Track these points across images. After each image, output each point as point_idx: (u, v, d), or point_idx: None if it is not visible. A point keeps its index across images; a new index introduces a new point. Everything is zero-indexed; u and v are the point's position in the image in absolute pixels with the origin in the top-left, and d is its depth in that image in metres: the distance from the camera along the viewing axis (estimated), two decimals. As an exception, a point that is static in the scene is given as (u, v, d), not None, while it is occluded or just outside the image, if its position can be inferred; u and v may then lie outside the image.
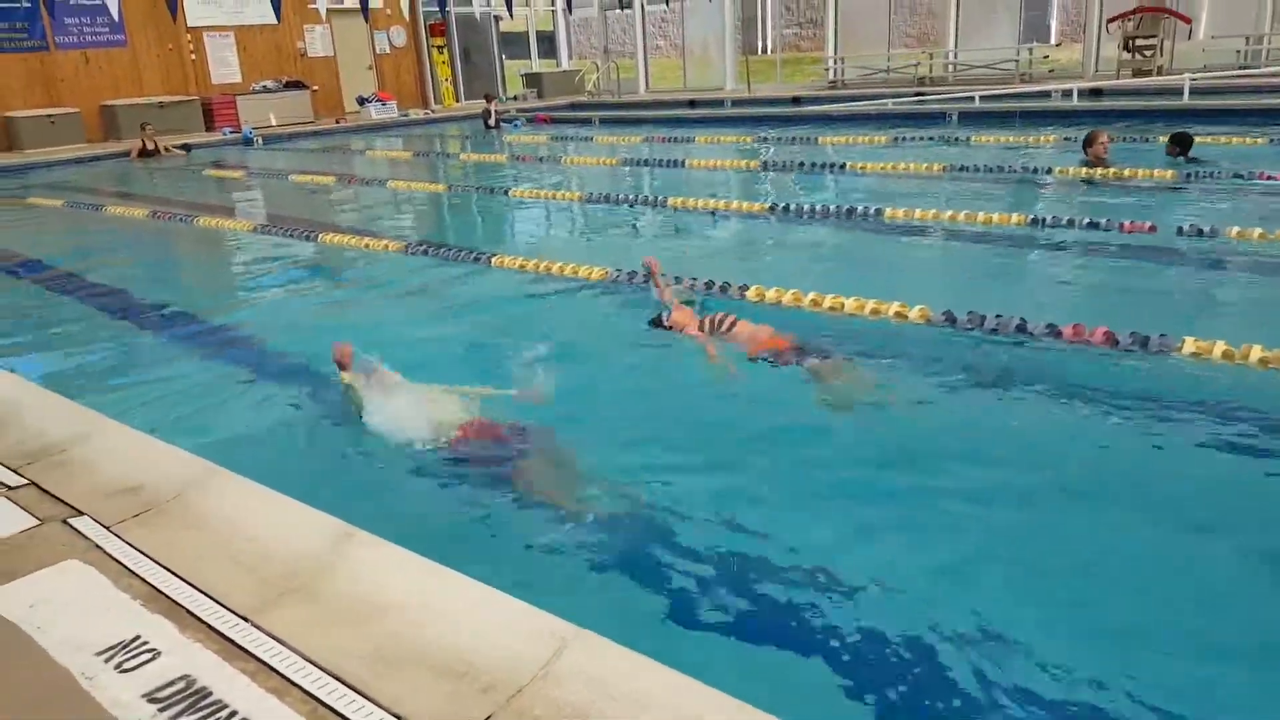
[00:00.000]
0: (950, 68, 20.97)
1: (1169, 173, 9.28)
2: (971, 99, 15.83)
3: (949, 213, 8.08)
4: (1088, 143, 9.84)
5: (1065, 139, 11.68)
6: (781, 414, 4.34)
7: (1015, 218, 7.73)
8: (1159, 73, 17.40)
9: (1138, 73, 17.67)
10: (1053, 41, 24.40)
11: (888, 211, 8.28)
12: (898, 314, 5.35)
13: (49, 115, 18.26)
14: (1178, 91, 14.33)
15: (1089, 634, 2.70)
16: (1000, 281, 6.70)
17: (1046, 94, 16.21)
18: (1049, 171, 9.88)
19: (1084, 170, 9.64)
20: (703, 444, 4.02)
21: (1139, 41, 17.98)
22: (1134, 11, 18.09)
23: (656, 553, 3.16)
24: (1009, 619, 2.71)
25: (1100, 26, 18.60)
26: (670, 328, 5.19)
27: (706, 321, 5.11)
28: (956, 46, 21.03)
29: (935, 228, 7.95)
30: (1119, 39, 18.17)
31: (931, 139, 13.22)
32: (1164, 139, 10.02)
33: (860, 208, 8.48)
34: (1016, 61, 19.78)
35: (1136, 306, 5.82)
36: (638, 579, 3.05)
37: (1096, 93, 16.07)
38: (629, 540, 3.26)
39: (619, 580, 3.06)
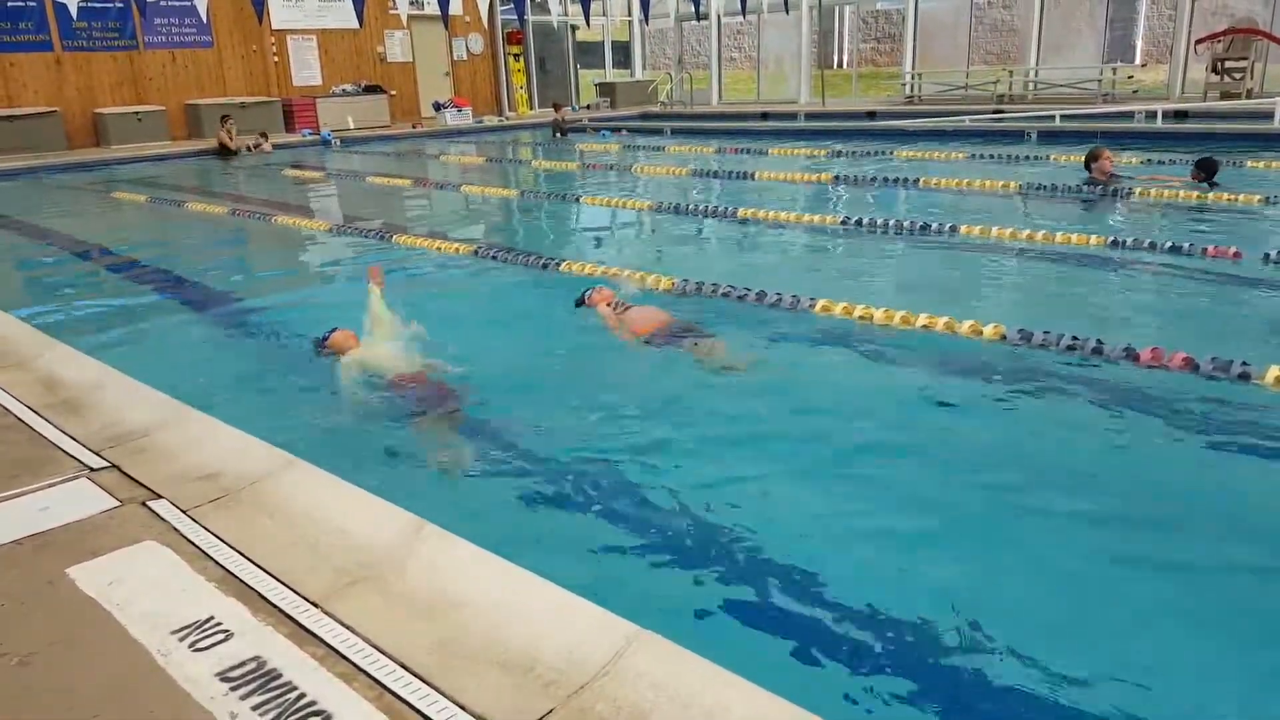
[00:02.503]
0: (1031, 86, 20.60)
1: (1191, 194, 9.33)
2: (1052, 118, 15.52)
3: (1026, 231, 7.92)
4: (1091, 159, 9.81)
5: (1146, 161, 11.39)
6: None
7: (1093, 239, 7.55)
8: (1248, 96, 16.88)
9: (1226, 95, 17.16)
10: (1138, 62, 23.84)
11: (963, 228, 8.15)
12: (971, 331, 5.25)
13: (136, 113, 18.91)
14: (1268, 115, 13.88)
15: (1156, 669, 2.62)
16: (1076, 301, 6.54)
17: (1130, 115, 15.83)
18: (1129, 195, 9.64)
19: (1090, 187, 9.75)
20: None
21: (1228, 63, 17.47)
22: (1224, 32, 17.59)
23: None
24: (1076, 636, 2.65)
25: (1188, 47, 18.12)
26: (591, 305, 5.77)
27: (617, 303, 5.71)
28: (1038, 64, 20.66)
29: (1011, 246, 7.80)
30: (1207, 60, 17.68)
31: (1010, 157, 13.00)
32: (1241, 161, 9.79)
33: (935, 224, 8.36)
34: (1099, 81, 19.38)
35: (1210, 331, 5.68)
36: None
37: (1182, 115, 15.65)
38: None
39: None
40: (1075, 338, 4.96)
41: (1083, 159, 10.18)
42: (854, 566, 3.07)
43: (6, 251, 9.88)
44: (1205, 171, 9.51)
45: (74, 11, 16.61)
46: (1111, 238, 7.53)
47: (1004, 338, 5.16)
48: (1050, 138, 14.66)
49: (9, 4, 17.64)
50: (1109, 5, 20.96)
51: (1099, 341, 4.88)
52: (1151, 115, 15.34)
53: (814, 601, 2.89)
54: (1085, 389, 4.60)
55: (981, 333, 5.22)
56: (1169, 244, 7.22)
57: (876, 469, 3.86)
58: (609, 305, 5.69)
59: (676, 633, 2.15)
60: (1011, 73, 21.30)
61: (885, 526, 3.37)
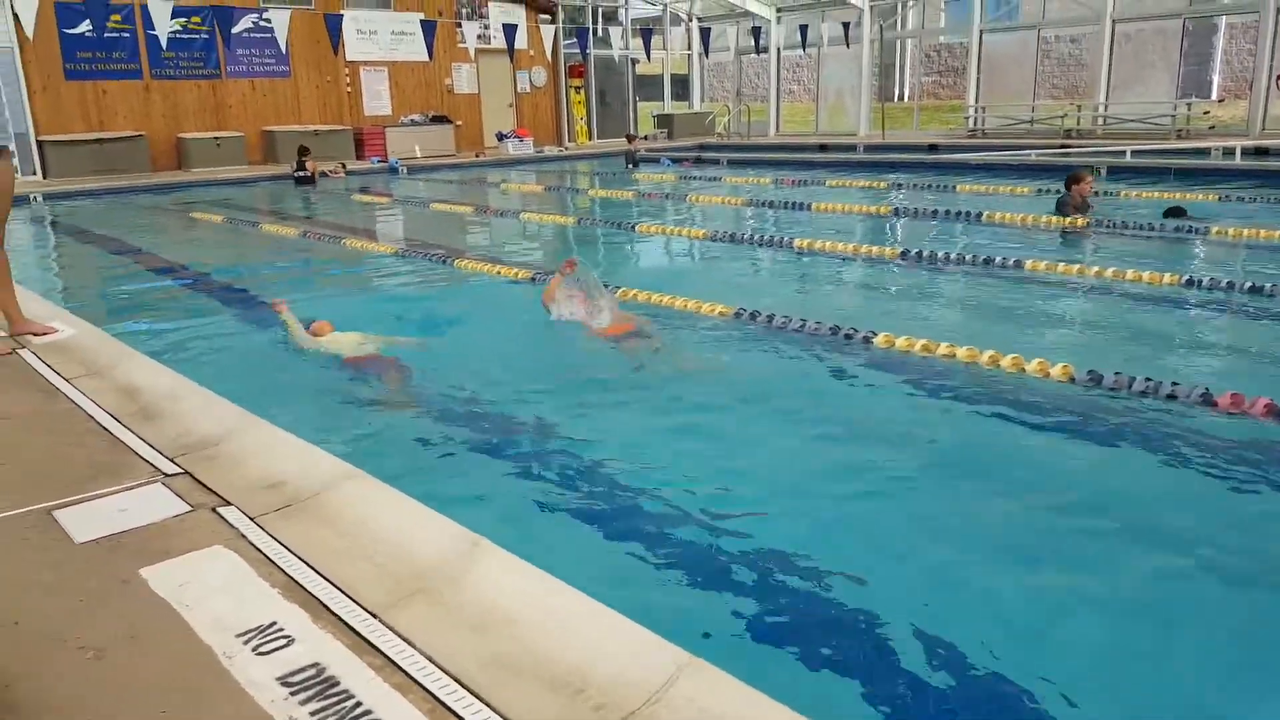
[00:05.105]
0: (1100, 120, 20.27)
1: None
2: (1123, 153, 15.26)
3: (1094, 268, 7.78)
4: (1073, 181, 9.87)
5: (1222, 198, 11.12)
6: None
7: (1167, 277, 7.38)
8: (1331, 133, 16.45)
9: (1307, 132, 16.75)
10: (1214, 97, 23.30)
11: (1028, 264, 8.04)
12: (1039, 370, 5.15)
13: (216, 138, 19.59)
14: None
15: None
16: (1147, 343, 6.39)
17: (1205, 152, 15.49)
18: (1205, 232, 9.43)
19: (1064, 220, 9.80)
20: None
21: (1310, 99, 17.07)
22: (1305, 68, 17.19)
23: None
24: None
25: (1270, 82, 17.69)
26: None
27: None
28: (1107, 99, 20.32)
29: (1077, 283, 7.67)
30: (1288, 96, 17.30)
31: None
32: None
33: (999, 258, 8.26)
34: (1173, 116, 18.99)
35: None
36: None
37: (1262, 152, 15.27)
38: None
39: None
40: (1149, 380, 4.81)
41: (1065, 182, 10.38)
42: (905, 596, 3.03)
43: (93, 266, 10.28)
44: (1175, 216, 9.88)
45: (164, 42, 17.37)
46: (1186, 276, 7.35)
47: (1072, 379, 5.05)
48: (1119, 174, 14.40)
49: (105, 35, 18.47)
50: (1184, 39, 20.53)
51: (1174, 385, 4.74)
52: (1229, 152, 15.00)
53: (863, 631, 2.86)
54: (1159, 435, 4.49)
55: (1049, 373, 5.12)
56: (1249, 284, 7.03)
57: (936, 502, 3.82)
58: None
59: (720, 658, 2.14)
60: (1080, 107, 21.00)
61: (944, 559, 3.32)
